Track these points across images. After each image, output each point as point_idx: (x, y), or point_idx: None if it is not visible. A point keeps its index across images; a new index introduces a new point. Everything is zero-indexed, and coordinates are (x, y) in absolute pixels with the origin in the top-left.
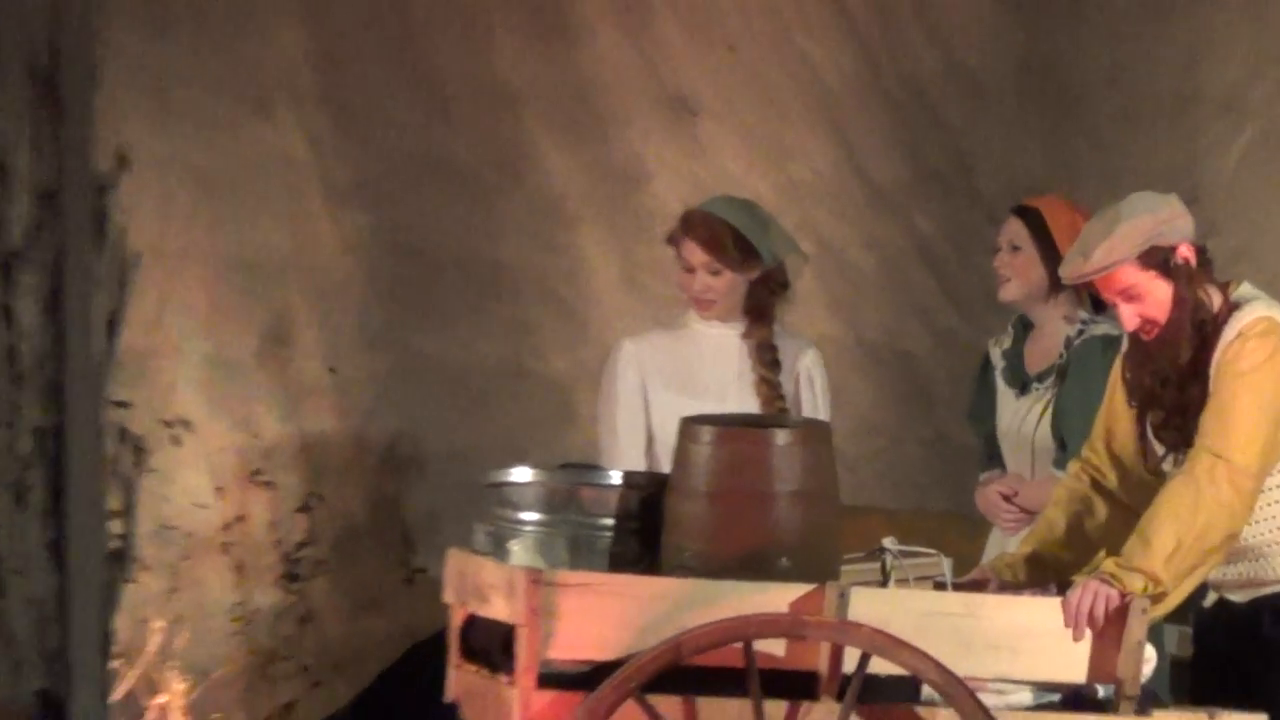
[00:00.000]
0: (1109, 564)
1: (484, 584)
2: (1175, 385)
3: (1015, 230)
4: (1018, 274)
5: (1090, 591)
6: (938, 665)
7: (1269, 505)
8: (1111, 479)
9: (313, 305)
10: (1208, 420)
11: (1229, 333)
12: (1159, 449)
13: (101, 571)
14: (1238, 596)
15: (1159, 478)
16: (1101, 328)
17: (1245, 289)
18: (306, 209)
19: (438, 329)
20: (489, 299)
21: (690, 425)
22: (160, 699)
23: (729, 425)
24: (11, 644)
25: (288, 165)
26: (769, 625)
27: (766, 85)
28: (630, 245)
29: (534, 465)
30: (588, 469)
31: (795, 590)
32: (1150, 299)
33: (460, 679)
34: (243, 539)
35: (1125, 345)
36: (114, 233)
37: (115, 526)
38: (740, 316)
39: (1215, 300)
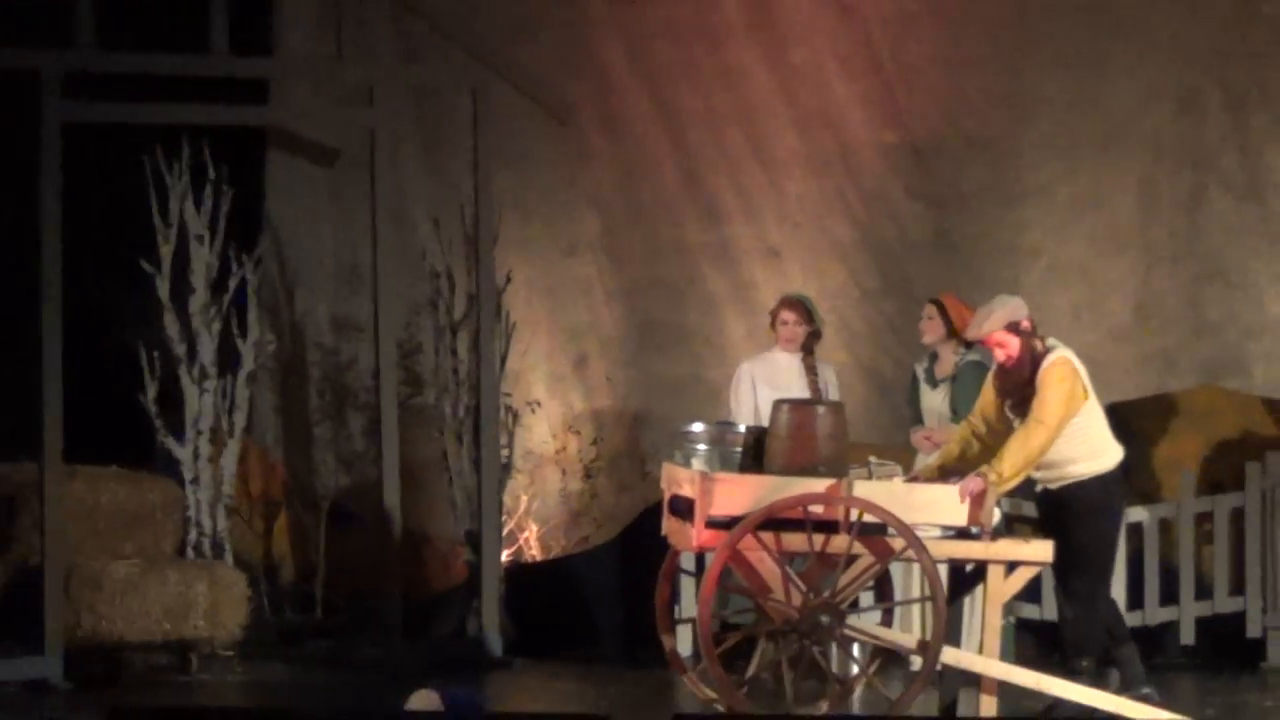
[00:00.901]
0: (984, 468)
1: (679, 478)
2: (1020, 388)
3: (931, 310)
4: (932, 331)
5: (973, 479)
6: (894, 516)
7: (1064, 442)
8: (982, 430)
9: (599, 346)
10: (1036, 406)
11: (1045, 364)
12: (1011, 417)
13: (497, 473)
14: (1053, 485)
15: (1007, 430)
16: (973, 357)
17: (1052, 340)
18: (595, 300)
19: (660, 357)
20: (682, 343)
21: (779, 403)
22: (524, 534)
23: (796, 404)
24: (455, 509)
25: (588, 280)
26: (815, 498)
27: (818, 239)
28: (749, 317)
29: (703, 422)
30: (728, 424)
31: (827, 482)
32: (1009, 347)
33: (669, 523)
34: (564, 458)
35: (994, 368)
36: (503, 312)
37: (504, 453)
38: (799, 350)
39: (1039, 347)
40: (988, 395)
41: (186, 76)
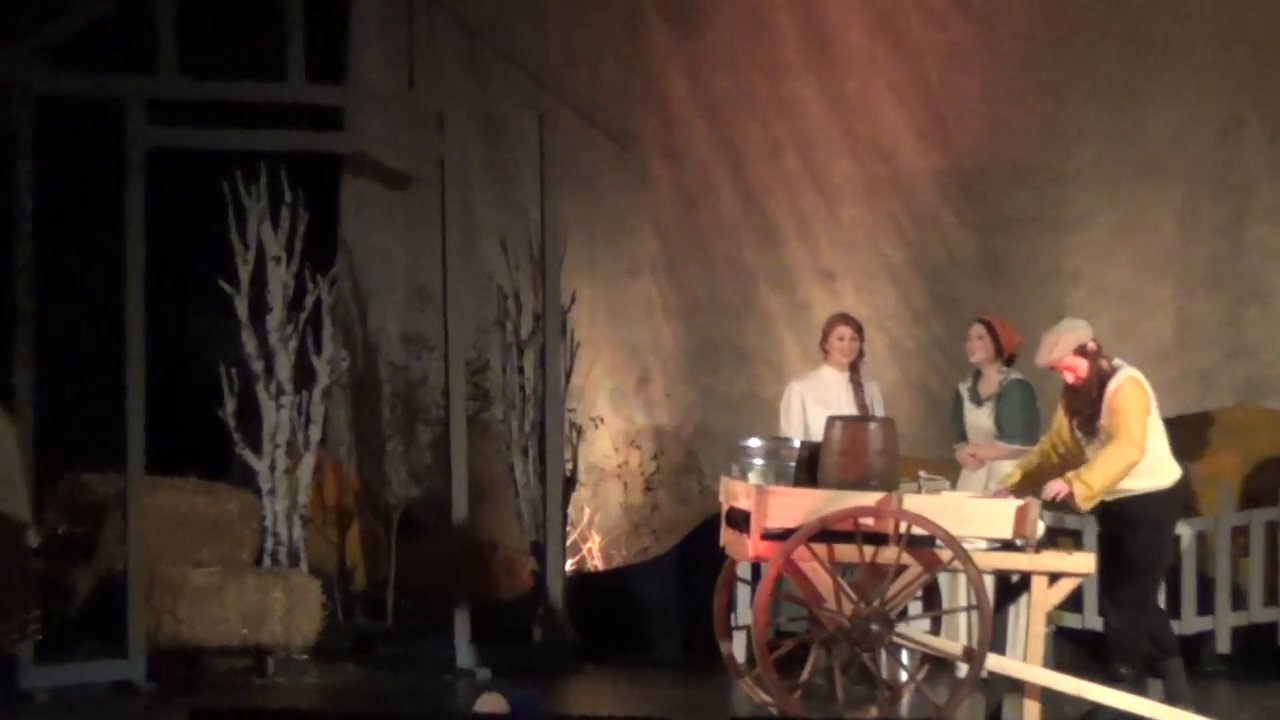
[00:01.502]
0: (1070, 474)
1: (737, 491)
2: (1088, 406)
3: (980, 330)
4: (980, 350)
5: (1058, 482)
6: (942, 529)
7: None
8: (1059, 448)
9: (659, 364)
10: (1119, 427)
11: (1112, 384)
12: (1080, 435)
13: (561, 486)
14: (1111, 499)
15: (1079, 447)
16: (1016, 375)
17: (1118, 360)
18: (656, 319)
19: (718, 374)
20: (739, 361)
21: (832, 419)
22: (586, 545)
23: (849, 420)
24: (521, 520)
25: (649, 300)
26: (866, 511)
27: (870, 261)
28: (805, 337)
29: (759, 437)
30: (783, 439)
31: (878, 496)
32: (1078, 370)
33: (727, 534)
34: (625, 472)
35: (1064, 389)
36: (567, 330)
37: (568, 467)
38: (847, 368)
39: (1105, 367)
40: (1060, 414)
41: (265, 104)
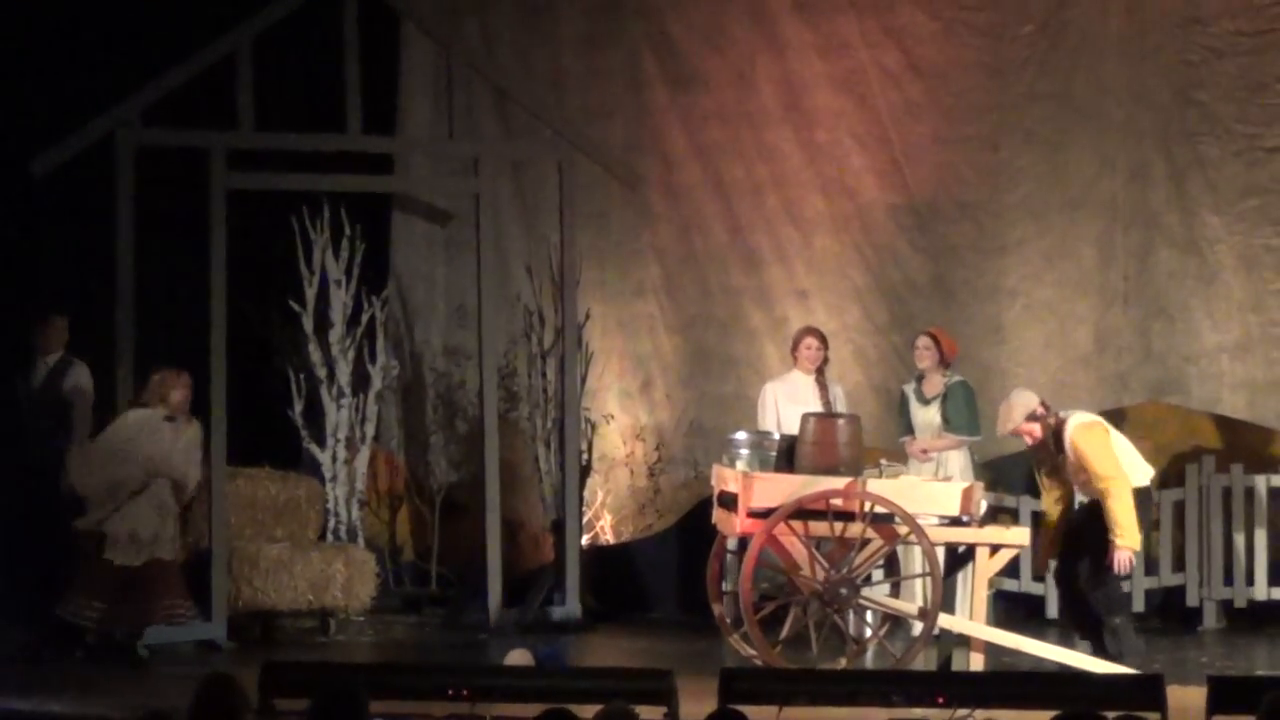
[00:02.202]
0: (1114, 538)
1: (726, 477)
2: (1050, 459)
3: (926, 341)
4: (928, 358)
5: (1121, 553)
6: (900, 507)
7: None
8: (1051, 496)
9: (660, 370)
10: (1093, 474)
11: (1067, 432)
12: (1047, 483)
13: (578, 473)
14: (1087, 499)
15: (1060, 489)
16: (957, 378)
17: (1064, 412)
18: (657, 333)
19: (710, 379)
20: (728, 368)
21: (807, 416)
22: (600, 523)
23: (821, 416)
24: (544, 502)
25: (651, 317)
26: (837, 493)
27: (839, 283)
28: (783, 347)
29: (745, 431)
30: (765, 433)
31: (846, 480)
32: (1034, 433)
33: (718, 513)
34: (632, 461)
35: (1030, 449)
36: (583, 342)
37: (583, 457)
38: (813, 372)
39: (1054, 422)
40: (1040, 476)
41: (327, 152)
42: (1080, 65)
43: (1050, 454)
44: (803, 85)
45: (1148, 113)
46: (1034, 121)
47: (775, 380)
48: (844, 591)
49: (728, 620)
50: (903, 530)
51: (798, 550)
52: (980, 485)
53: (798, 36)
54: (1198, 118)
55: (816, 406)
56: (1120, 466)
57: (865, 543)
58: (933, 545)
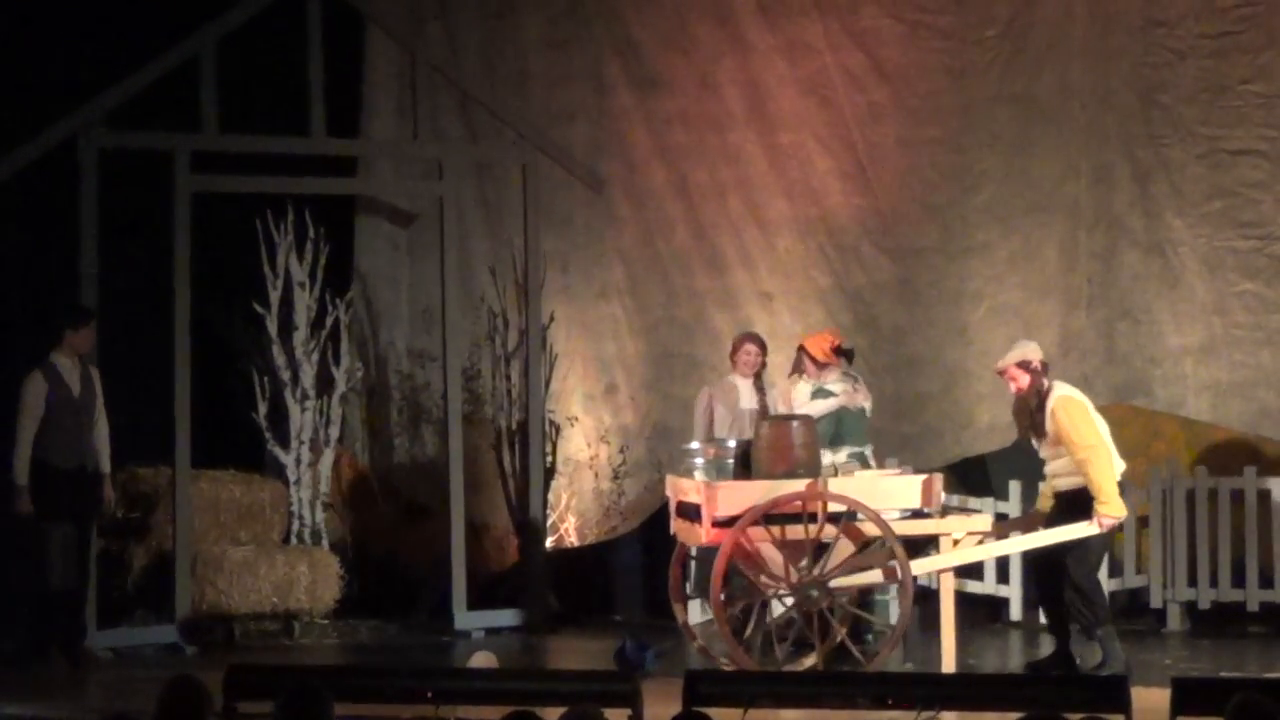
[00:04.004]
0: (1096, 507)
1: (685, 488)
2: (1028, 415)
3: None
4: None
5: (1105, 520)
6: (862, 504)
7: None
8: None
9: (625, 373)
10: (1070, 444)
11: (1050, 403)
12: (1034, 440)
13: (542, 475)
14: (1063, 487)
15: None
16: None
17: (1058, 383)
18: (621, 335)
19: (674, 381)
20: (692, 370)
21: (763, 420)
22: (564, 525)
23: (775, 419)
24: (509, 504)
25: (615, 319)
26: (799, 495)
27: (803, 285)
28: (723, 355)
29: (697, 440)
30: (719, 440)
31: (806, 481)
32: (1019, 380)
33: (677, 524)
34: (596, 464)
35: (1015, 402)
36: (547, 345)
37: (547, 459)
38: (752, 375)
39: (1044, 385)
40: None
41: (291, 154)
42: (1044, 68)
43: (1029, 412)
44: (766, 88)
45: (1111, 115)
46: (998, 124)
47: (712, 385)
48: (815, 593)
49: (691, 624)
50: (869, 528)
51: (769, 554)
52: (940, 476)
53: (761, 39)
54: (1161, 120)
55: (754, 409)
56: (1100, 436)
57: (823, 545)
58: (899, 541)
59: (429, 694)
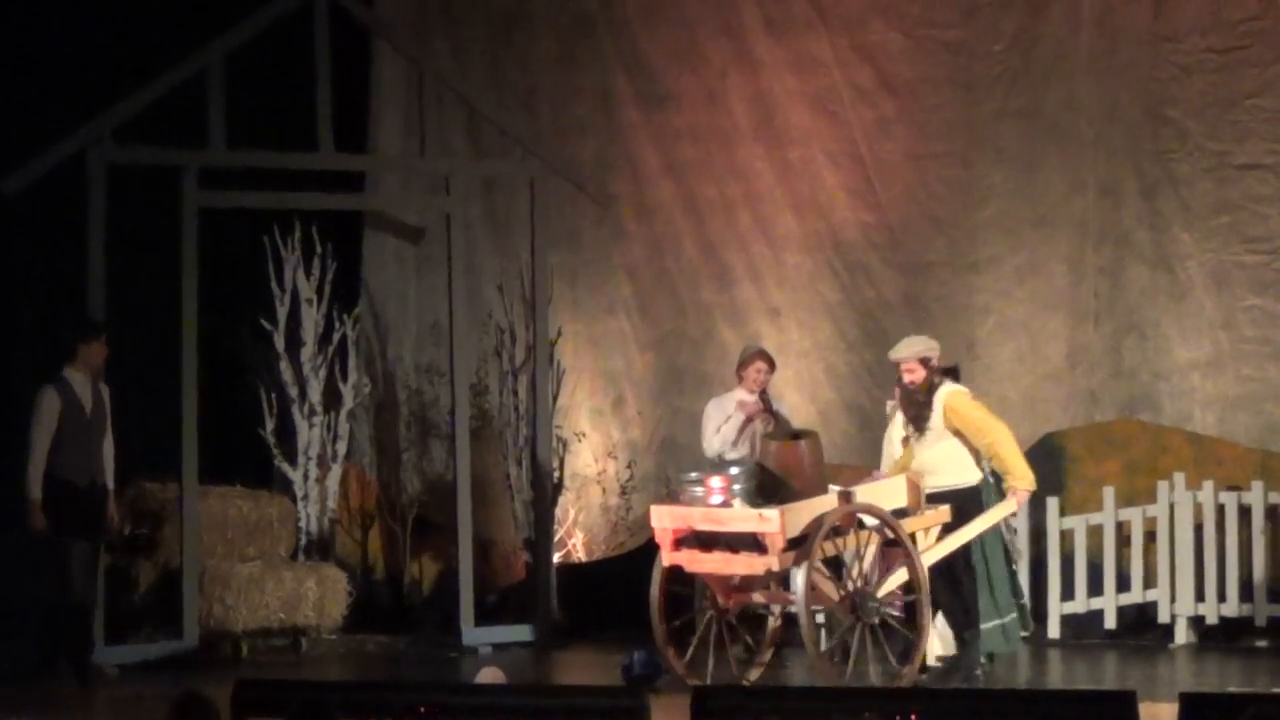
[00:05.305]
0: (1010, 482)
1: (692, 515)
2: (915, 407)
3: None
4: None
5: (1020, 494)
6: (885, 513)
7: (939, 454)
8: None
9: (632, 388)
10: (975, 431)
11: (941, 394)
12: (912, 432)
13: (550, 491)
14: (928, 490)
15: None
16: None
17: (948, 381)
18: (629, 350)
19: (682, 396)
20: (701, 385)
21: (769, 439)
22: (572, 541)
23: (810, 438)
24: (516, 520)
25: (623, 334)
26: (860, 508)
27: (811, 300)
28: (731, 370)
29: (729, 463)
30: (735, 463)
31: (836, 494)
32: (915, 372)
33: (691, 556)
34: (604, 479)
35: (900, 390)
36: (554, 359)
37: (555, 475)
38: (756, 392)
39: (936, 381)
40: (892, 427)
41: (298, 170)
42: (1051, 82)
43: (917, 404)
44: (775, 103)
45: (1118, 130)
46: (1005, 139)
47: (719, 399)
48: (871, 604)
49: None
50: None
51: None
52: (920, 475)
53: (769, 54)
54: (1168, 135)
55: (760, 426)
56: (996, 419)
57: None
58: (915, 547)
59: (437, 709)
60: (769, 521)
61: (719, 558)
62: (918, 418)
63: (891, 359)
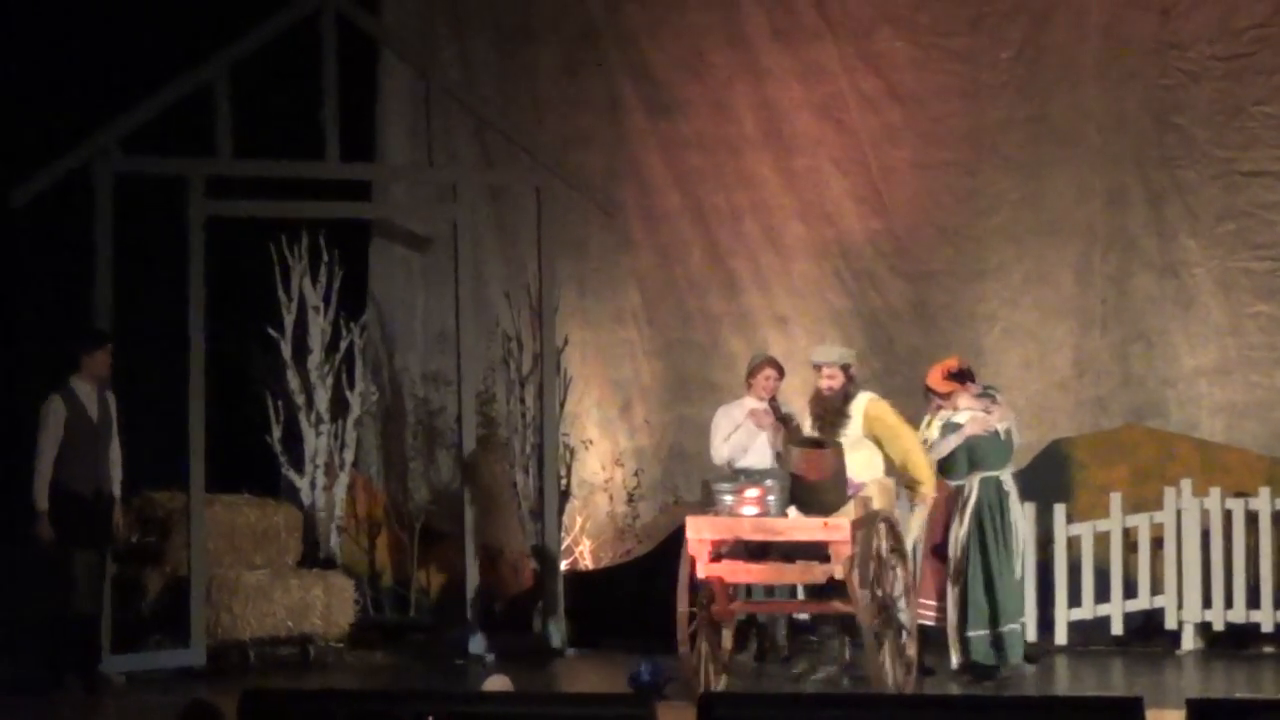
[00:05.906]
0: (922, 489)
1: (735, 525)
2: (829, 414)
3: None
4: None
5: (928, 498)
6: (894, 515)
7: (857, 463)
8: None
9: (640, 395)
10: (892, 435)
11: (859, 400)
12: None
13: (557, 498)
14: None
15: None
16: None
17: (864, 390)
18: (637, 358)
19: (689, 404)
20: (708, 393)
21: (789, 444)
22: (579, 548)
23: (806, 445)
24: (524, 528)
25: (630, 342)
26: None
27: (818, 308)
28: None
29: (761, 474)
30: (766, 471)
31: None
32: (835, 379)
33: (732, 567)
34: (611, 486)
35: (814, 396)
36: (562, 368)
37: (562, 482)
38: (767, 399)
39: (852, 390)
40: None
41: (305, 179)
42: (1057, 90)
43: (833, 410)
44: (782, 111)
45: (1125, 137)
46: (1012, 146)
47: (728, 406)
48: (897, 609)
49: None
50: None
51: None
52: (891, 481)
53: (776, 63)
54: (1175, 142)
55: (772, 433)
56: (909, 426)
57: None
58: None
59: (428, 718)
60: (838, 530)
61: (770, 568)
62: (834, 425)
63: (813, 361)
